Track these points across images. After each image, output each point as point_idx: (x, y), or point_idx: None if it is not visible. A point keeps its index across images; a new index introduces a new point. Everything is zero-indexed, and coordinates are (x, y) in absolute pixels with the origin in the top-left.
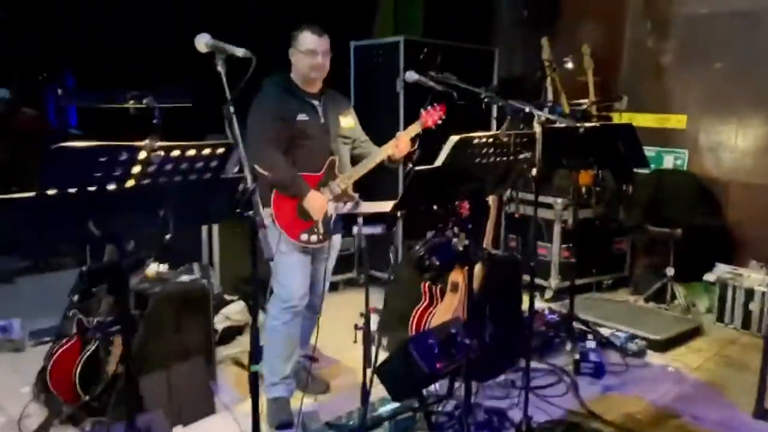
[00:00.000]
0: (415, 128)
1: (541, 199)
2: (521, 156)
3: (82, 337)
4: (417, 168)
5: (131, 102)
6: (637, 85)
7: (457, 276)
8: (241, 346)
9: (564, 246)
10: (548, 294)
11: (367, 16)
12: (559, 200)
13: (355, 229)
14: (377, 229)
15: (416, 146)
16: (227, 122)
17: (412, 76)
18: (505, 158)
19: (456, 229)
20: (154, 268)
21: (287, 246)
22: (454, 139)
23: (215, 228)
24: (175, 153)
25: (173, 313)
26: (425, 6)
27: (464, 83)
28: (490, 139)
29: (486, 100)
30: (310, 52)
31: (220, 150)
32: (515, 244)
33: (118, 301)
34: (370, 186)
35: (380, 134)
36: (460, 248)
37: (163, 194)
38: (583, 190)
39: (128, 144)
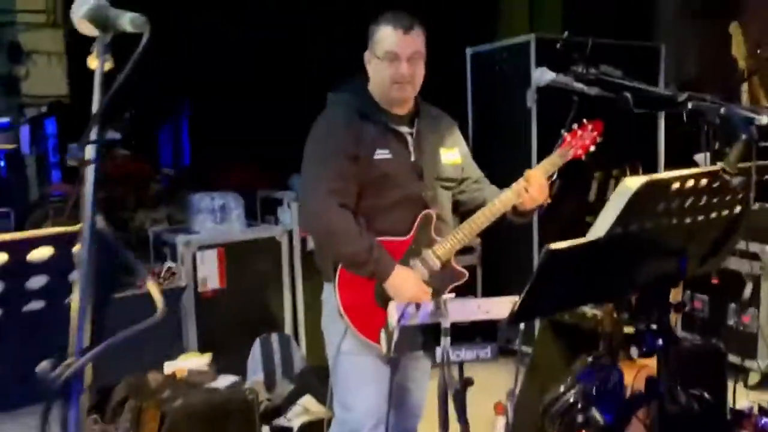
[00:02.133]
0: (554, 161)
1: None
2: (755, 205)
3: None
4: (552, 246)
5: None
6: None
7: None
8: None
9: None
10: (753, 379)
11: (489, 15)
12: None
13: (438, 353)
14: (482, 353)
15: (554, 176)
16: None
17: (545, 75)
18: (727, 211)
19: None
20: (185, 364)
21: (356, 344)
22: (631, 185)
23: (299, 287)
24: None
25: None
26: None
27: (636, 82)
28: (703, 180)
29: (690, 106)
30: (389, 56)
31: (47, 250)
32: (701, 306)
33: None
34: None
35: (505, 169)
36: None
37: None
38: None
39: None
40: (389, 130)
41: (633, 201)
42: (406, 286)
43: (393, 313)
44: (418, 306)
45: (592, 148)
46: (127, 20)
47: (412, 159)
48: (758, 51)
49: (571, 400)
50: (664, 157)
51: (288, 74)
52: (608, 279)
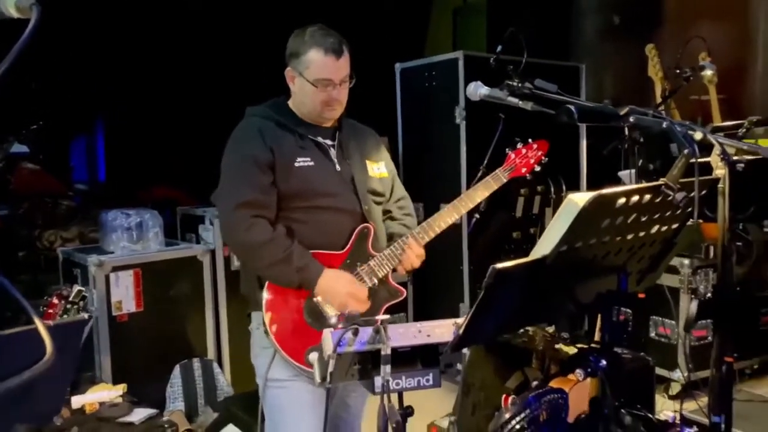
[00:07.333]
0: (499, 178)
1: None
2: (691, 221)
3: None
4: (498, 266)
5: None
6: None
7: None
8: None
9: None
10: (674, 389)
11: (416, 33)
12: (687, 261)
13: (377, 383)
14: (424, 380)
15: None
16: None
17: (479, 90)
18: (666, 227)
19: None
20: (96, 396)
21: (285, 370)
22: (578, 201)
23: (222, 309)
24: None
25: None
26: (489, 17)
27: (572, 97)
28: (647, 196)
29: (632, 119)
30: (323, 83)
31: None
32: (624, 318)
33: None
34: None
35: (435, 183)
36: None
37: None
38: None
39: None
40: (309, 140)
41: (579, 217)
42: (339, 286)
43: (328, 340)
44: (355, 332)
45: (537, 168)
46: (11, 2)
47: (338, 169)
48: (677, 72)
49: (518, 427)
50: (586, 174)
51: (210, 88)
52: (552, 298)
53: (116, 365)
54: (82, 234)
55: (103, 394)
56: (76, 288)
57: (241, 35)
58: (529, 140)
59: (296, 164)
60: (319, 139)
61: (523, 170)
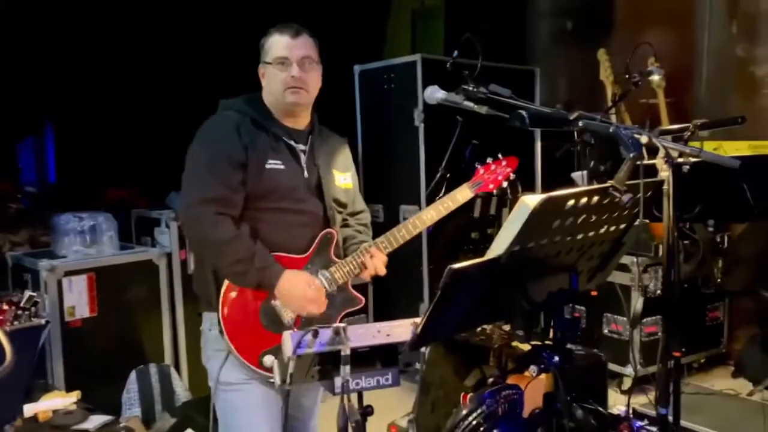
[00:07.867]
0: (465, 193)
1: None
2: (638, 221)
3: None
4: (455, 266)
5: None
6: (721, 106)
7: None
8: None
9: (646, 319)
10: (626, 384)
11: (375, 36)
12: (637, 260)
13: (337, 383)
14: (383, 380)
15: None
16: None
17: (435, 93)
18: (614, 227)
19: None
20: (49, 404)
21: (239, 371)
22: (529, 203)
23: (179, 313)
24: None
25: None
26: (446, 20)
27: (524, 101)
28: (595, 198)
29: (581, 124)
30: (279, 61)
31: None
32: (579, 316)
33: None
34: None
35: (394, 185)
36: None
37: None
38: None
39: None
40: (281, 141)
41: (531, 218)
42: (297, 290)
43: (288, 342)
44: (315, 333)
45: (504, 184)
46: None
47: (305, 175)
48: (626, 76)
49: (474, 423)
50: (540, 175)
51: (164, 88)
52: (507, 297)
53: (70, 372)
54: (32, 238)
55: (56, 401)
56: (27, 293)
57: (196, 36)
58: (499, 156)
59: (267, 166)
60: (292, 143)
61: (491, 186)
